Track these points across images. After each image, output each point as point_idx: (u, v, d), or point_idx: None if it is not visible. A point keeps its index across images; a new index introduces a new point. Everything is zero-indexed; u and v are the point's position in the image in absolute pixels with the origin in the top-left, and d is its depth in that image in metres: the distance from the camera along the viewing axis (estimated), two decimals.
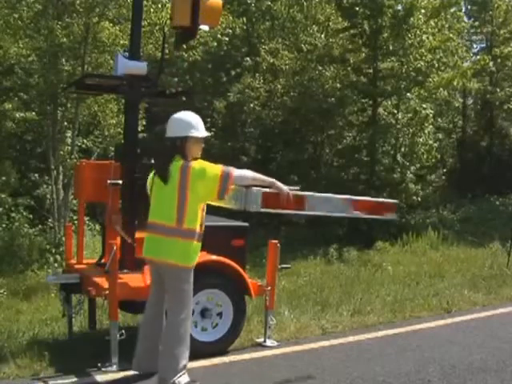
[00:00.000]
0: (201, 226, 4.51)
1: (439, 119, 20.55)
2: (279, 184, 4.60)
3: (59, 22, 12.18)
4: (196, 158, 4.49)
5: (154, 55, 13.13)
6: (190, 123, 4.48)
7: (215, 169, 4.39)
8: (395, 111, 16.82)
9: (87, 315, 5.81)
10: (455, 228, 16.86)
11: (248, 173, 4.54)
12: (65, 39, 12.12)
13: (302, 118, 18.63)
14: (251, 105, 18.77)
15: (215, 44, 16.89)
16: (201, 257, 5.33)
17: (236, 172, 4.41)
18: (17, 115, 13.03)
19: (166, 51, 12.61)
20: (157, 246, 4.47)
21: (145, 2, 12.14)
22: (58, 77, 12.33)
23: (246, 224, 5.99)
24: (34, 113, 13.24)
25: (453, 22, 19.64)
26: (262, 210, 4.88)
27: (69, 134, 13.43)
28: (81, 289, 5.58)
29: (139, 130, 7.21)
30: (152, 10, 12.77)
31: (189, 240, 4.42)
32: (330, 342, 6.02)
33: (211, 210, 5.06)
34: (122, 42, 12.50)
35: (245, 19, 18.13)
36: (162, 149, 4.55)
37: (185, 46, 15.26)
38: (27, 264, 11.81)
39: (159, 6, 12.81)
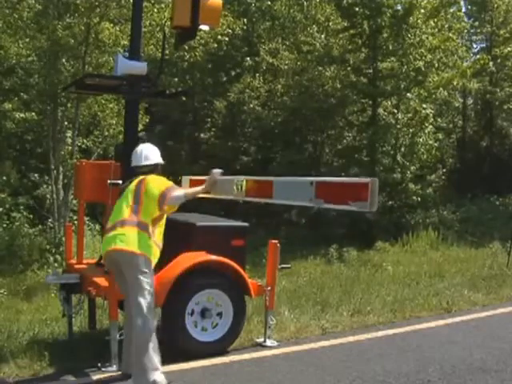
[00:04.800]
0: (155, 235, 4.72)
1: (439, 119, 20.52)
2: (208, 182, 5.08)
3: (60, 22, 12.17)
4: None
5: (155, 55, 13.12)
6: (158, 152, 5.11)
7: (157, 188, 4.73)
8: (395, 111, 16.82)
9: (87, 315, 5.81)
10: (455, 228, 16.85)
11: (181, 193, 4.81)
12: (68, 38, 12.10)
13: (301, 117, 18.64)
14: (251, 105, 18.77)
15: (215, 45, 16.89)
16: (201, 257, 5.35)
17: (173, 193, 4.72)
18: (17, 115, 13.03)
19: (166, 52, 12.63)
20: (112, 240, 4.64)
21: (146, 3, 12.19)
22: (59, 77, 12.33)
23: (246, 224, 5.99)
24: (33, 113, 13.23)
25: (453, 21, 19.62)
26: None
27: (69, 133, 13.42)
28: (81, 289, 5.59)
29: (139, 129, 7.20)
30: (155, 9, 12.76)
31: (145, 232, 4.61)
32: (330, 341, 6.03)
33: (211, 210, 5.09)
34: (122, 42, 12.49)
35: (245, 20, 18.08)
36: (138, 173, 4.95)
37: (186, 47, 15.25)
38: (27, 264, 11.80)
39: (162, 6, 12.79)
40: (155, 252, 4.68)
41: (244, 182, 5.15)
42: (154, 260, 4.68)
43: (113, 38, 12.54)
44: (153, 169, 4.97)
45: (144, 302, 4.52)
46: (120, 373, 4.89)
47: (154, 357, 4.47)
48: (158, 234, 4.74)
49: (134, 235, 4.58)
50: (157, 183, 4.78)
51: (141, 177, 4.85)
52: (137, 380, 4.48)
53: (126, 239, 4.57)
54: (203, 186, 5.06)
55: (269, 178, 5.20)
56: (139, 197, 4.72)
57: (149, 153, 5.02)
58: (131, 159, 5.05)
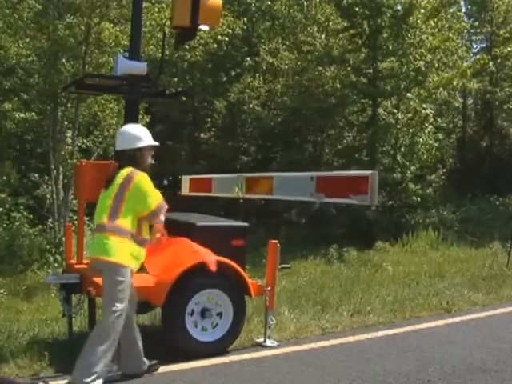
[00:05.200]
0: (140, 232, 4.54)
1: (439, 119, 20.54)
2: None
3: (60, 22, 12.17)
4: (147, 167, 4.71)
5: (155, 56, 13.13)
6: (137, 135, 4.70)
7: (152, 200, 4.55)
8: (395, 111, 16.83)
9: (87, 315, 5.81)
10: (455, 228, 16.86)
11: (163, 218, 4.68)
12: (68, 37, 12.09)
13: (301, 117, 18.65)
14: (251, 105, 18.78)
15: (215, 45, 16.91)
16: (201, 256, 5.34)
17: (162, 215, 4.62)
18: (17, 115, 13.02)
19: (166, 53, 12.63)
20: (93, 245, 4.63)
21: (147, 3, 12.19)
22: (59, 77, 12.33)
23: (246, 224, 5.99)
24: (33, 113, 13.23)
25: (453, 21, 19.63)
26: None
27: (69, 133, 13.43)
28: (81, 289, 5.58)
29: None
30: (156, 9, 12.76)
31: (122, 237, 4.46)
32: (330, 341, 6.02)
33: (211, 210, 5.08)
34: (123, 42, 12.48)
35: (245, 20, 18.09)
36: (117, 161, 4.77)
37: (187, 46, 15.26)
38: (27, 264, 11.80)
39: (163, 5, 12.78)
40: (137, 253, 4.55)
41: (244, 180, 5.16)
42: (138, 260, 4.58)
43: (113, 38, 12.54)
44: (136, 153, 4.66)
45: (112, 310, 4.45)
46: (120, 373, 4.89)
47: (101, 363, 4.35)
48: (144, 228, 4.59)
49: (110, 243, 4.45)
50: (152, 191, 4.57)
51: (127, 170, 4.58)
52: (77, 376, 4.40)
53: (102, 247, 4.48)
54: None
55: (269, 173, 5.21)
56: (123, 195, 4.52)
57: (142, 133, 4.73)
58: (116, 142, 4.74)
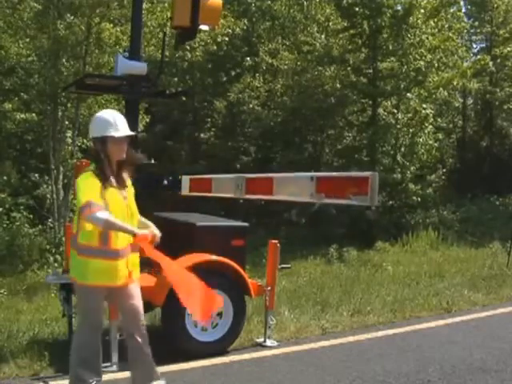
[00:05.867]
0: (102, 240, 3.99)
1: (439, 119, 20.53)
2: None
3: (61, 22, 12.17)
4: (127, 164, 4.20)
5: (155, 56, 13.13)
6: (107, 121, 4.10)
7: (81, 197, 3.96)
8: (395, 111, 16.82)
9: None
10: (455, 228, 16.85)
11: (106, 223, 3.88)
12: (69, 35, 12.07)
13: (301, 117, 18.64)
14: (251, 105, 18.77)
15: (215, 47, 16.92)
16: (201, 257, 5.34)
17: (96, 214, 3.86)
18: (17, 116, 13.02)
19: (167, 53, 12.62)
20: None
21: (149, 3, 12.18)
22: (59, 76, 12.32)
23: (246, 224, 5.99)
24: (34, 113, 13.23)
25: (452, 21, 19.63)
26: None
27: (69, 133, 13.43)
28: None
29: (140, 130, 7.20)
30: (158, 8, 12.74)
31: (79, 255, 4.06)
32: (330, 341, 6.03)
33: (211, 210, 5.06)
34: (124, 43, 12.48)
35: (245, 21, 18.08)
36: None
37: (187, 46, 15.26)
38: (27, 264, 11.79)
39: (165, 5, 12.76)
40: (90, 266, 4.02)
41: (244, 180, 5.16)
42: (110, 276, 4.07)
43: (113, 38, 12.54)
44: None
45: (78, 323, 4.34)
46: (120, 373, 4.89)
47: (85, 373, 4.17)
48: (112, 238, 4.04)
49: (74, 259, 4.16)
50: (83, 188, 4.03)
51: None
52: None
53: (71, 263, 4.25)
54: (136, 231, 4.05)
55: (269, 174, 5.20)
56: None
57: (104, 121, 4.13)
58: (98, 129, 4.09)
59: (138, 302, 4.20)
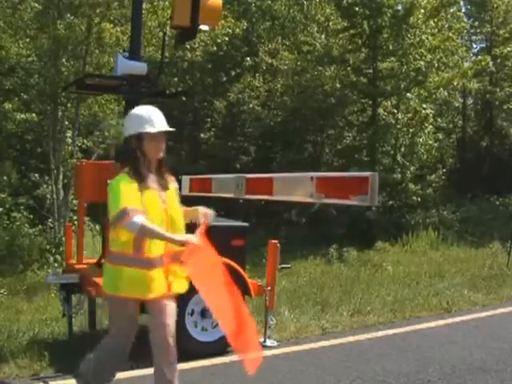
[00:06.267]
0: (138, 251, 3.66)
1: (439, 119, 20.54)
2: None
3: (61, 22, 12.17)
4: (160, 163, 3.82)
5: (156, 56, 13.14)
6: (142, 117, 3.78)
7: (115, 204, 3.63)
8: (395, 111, 16.82)
9: (87, 315, 5.81)
10: (455, 228, 16.86)
11: (142, 229, 3.54)
12: (70, 34, 12.07)
13: (301, 117, 18.64)
14: (251, 105, 18.77)
15: (215, 48, 16.93)
16: None
17: (135, 219, 3.51)
18: (17, 116, 13.03)
19: (167, 54, 12.62)
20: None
21: (149, 5, 12.17)
22: (59, 76, 12.32)
23: (246, 224, 5.99)
24: (34, 114, 13.23)
25: (452, 21, 19.63)
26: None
27: (69, 134, 13.43)
28: (81, 289, 5.59)
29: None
30: (160, 6, 12.72)
31: (111, 264, 3.78)
32: (330, 341, 6.03)
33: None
34: (124, 43, 12.47)
35: (245, 22, 18.08)
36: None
37: (188, 46, 15.26)
38: (27, 264, 11.80)
39: (167, 3, 12.75)
40: (123, 275, 3.71)
41: (244, 180, 5.16)
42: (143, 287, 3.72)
43: (113, 38, 12.54)
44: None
45: (108, 329, 4.15)
46: (119, 373, 4.89)
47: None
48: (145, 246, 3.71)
49: (106, 270, 3.94)
50: (114, 196, 3.75)
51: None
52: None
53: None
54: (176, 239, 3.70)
55: (269, 174, 5.21)
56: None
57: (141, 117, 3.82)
58: (139, 124, 3.75)
59: (171, 320, 3.73)
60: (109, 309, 3.99)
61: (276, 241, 5.92)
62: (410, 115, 16.89)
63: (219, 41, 15.93)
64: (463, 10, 22.98)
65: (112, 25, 12.72)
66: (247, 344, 3.76)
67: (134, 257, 3.66)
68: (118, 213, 3.56)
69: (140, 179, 3.69)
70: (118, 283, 3.69)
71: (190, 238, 3.72)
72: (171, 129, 3.84)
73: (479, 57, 20.21)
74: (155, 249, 3.67)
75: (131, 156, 3.73)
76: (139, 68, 5.86)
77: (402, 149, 16.78)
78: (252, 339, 3.80)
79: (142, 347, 5.34)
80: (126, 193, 3.62)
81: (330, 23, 19.43)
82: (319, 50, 18.39)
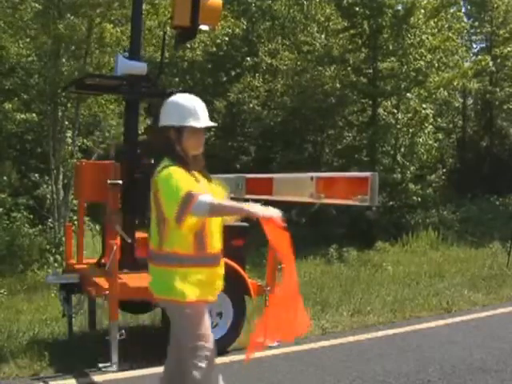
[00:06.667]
0: (197, 246, 3.31)
1: (439, 119, 20.54)
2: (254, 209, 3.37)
3: (61, 22, 12.17)
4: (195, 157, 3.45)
5: (156, 57, 13.13)
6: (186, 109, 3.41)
7: (176, 191, 3.22)
8: (395, 111, 16.82)
9: (87, 315, 5.81)
10: (455, 228, 16.85)
11: (212, 207, 3.19)
12: (71, 33, 12.06)
13: (301, 117, 18.63)
14: (251, 104, 18.78)
15: (214, 49, 16.93)
16: None
17: (202, 198, 3.17)
18: (18, 117, 13.03)
19: (167, 55, 12.60)
20: (151, 278, 3.48)
21: (148, 6, 12.16)
22: (59, 76, 12.32)
23: (246, 224, 5.98)
24: (34, 114, 13.23)
25: (452, 22, 19.63)
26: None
27: (69, 134, 13.43)
28: (81, 289, 5.59)
29: (141, 131, 7.17)
30: (162, 4, 12.70)
31: (168, 266, 3.30)
32: (330, 342, 6.03)
33: None
34: (124, 44, 12.46)
35: (245, 22, 18.09)
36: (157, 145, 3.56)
37: (189, 45, 15.26)
38: (27, 264, 11.79)
39: (167, 1, 12.72)
40: (188, 276, 3.33)
41: (244, 180, 5.17)
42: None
43: (113, 39, 12.53)
44: None
45: (188, 360, 3.38)
46: (119, 373, 4.89)
47: None
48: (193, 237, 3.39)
49: (163, 274, 3.42)
50: (175, 178, 3.34)
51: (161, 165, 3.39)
52: None
53: (155, 281, 3.48)
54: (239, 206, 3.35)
55: (269, 174, 5.22)
56: (159, 204, 3.39)
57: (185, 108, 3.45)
58: (193, 118, 3.37)
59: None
60: (179, 331, 3.36)
61: None
62: (410, 115, 16.89)
63: (219, 41, 15.92)
64: (463, 10, 23.00)
65: (112, 25, 12.71)
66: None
67: (198, 255, 3.31)
68: (181, 200, 3.14)
69: (187, 169, 3.33)
70: (183, 287, 3.25)
71: (269, 208, 3.41)
72: (214, 124, 3.57)
73: (479, 57, 20.20)
74: (216, 243, 3.41)
75: (168, 149, 3.37)
76: (139, 68, 5.87)
77: (402, 149, 16.78)
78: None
79: (142, 347, 5.38)
80: (183, 179, 3.24)
81: (330, 23, 19.42)
82: (319, 50, 18.40)
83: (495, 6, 23.04)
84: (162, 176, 3.28)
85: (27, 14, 12.40)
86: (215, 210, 3.22)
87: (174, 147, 3.35)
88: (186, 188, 3.17)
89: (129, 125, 6.13)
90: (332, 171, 17.34)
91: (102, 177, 5.66)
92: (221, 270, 3.49)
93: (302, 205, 16.07)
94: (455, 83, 17.66)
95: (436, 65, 16.98)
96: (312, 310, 7.11)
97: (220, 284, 3.48)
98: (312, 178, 4.39)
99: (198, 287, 3.28)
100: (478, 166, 23.06)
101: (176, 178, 3.23)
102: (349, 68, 17.48)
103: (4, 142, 14.62)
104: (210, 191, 3.35)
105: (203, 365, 3.25)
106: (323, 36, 19.10)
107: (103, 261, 5.61)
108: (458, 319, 7.10)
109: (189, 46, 15.24)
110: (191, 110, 3.39)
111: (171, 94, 7.69)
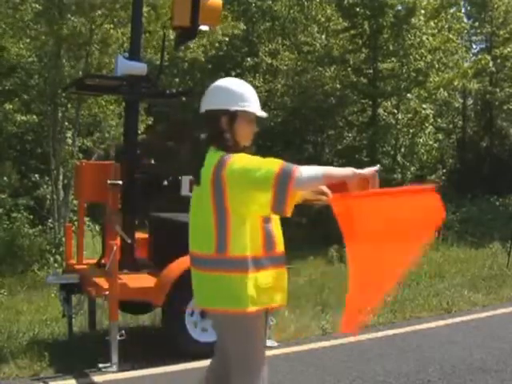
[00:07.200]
0: (264, 246, 2.93)
1: (439, 119, 20.54)
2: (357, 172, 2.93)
3: (63, 22, 12.16)
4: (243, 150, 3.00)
5: (156, 58, 13.14)
6: (237, 94, 2.94)
7: (267, 166, 2.79)
8: (395, 111, 16.83)
9: (87, 315, 5.81)
10: (455, 228, 16.84)
11: (325, 172, 2.94)
12: (73, 31, 12.05)
13: (302, 118, 18.65)
14: None
15: (213, 52, 16.96)
16: None
17: (301, 170, 2.83)
18: (18, 118, 13.03)
19: (167, 56, 12.59)
20: (199, 288, 3.03)
21: (148, 8, 12.16)
22: (59, 77, 12.32)
23: None
24: (34, 115, 13.23)
25: (453, 22, 19.64)
26: None
27: (69, 134, 13.43)
28: (81, 289, 5.59)
29: (141, 131, 7.18)
30: (165, 5, 12.68)
31: (238, 272, 2.84)
32: (330, 342, 6.02)
33: None
34: (125, 45, 12.46)
35: (244, 23, 18.09)
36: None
37: (190, 45, 15.27)
38: (27, 264, 11.79)
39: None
40: (256, 283, 2.92)
41: None
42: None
43: (113, 39, 12.53)
44: None
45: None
46: (119, 373, 4.89)
47: None
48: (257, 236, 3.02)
49: (223, 282, 2.96)
50: (256, 160, 2.98)
51: (217, 154, 2.92)
52: None
53: (209, 291, 3.04)
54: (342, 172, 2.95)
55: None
56: (223, 198, 2.90)
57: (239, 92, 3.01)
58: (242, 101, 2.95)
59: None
60: (242, 345, 3.04)
61: None
62: (410, 115, 16.91)
63: (219, 41, 15.93)
64: (463, 11, 23.00)
65: (112, 25, 12.71)
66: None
67: (267, 255, 2.92)
68: (277, 177, 2.72)
69: None
70: (253, 295, 2.84)
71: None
72: (266, 114, 3.15)
73: (479, 56, 20.21)
74: (281, 240, 3.06)
75: (219, 137, 2.90)
76: (139, 68, 5.87)
77: (402, 149, 16.79)
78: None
79: (142, 347, 5.38)
80: (260, 159, 2.85)
81: (331, 23, 19.44)
82: (319, 51, 18.42)
83: (495, 6, 23.05)
84: (233, 166, 2.78)
85: (27, 15, 12.40)
86: (328, 174, 2.87)
87: (225, 135, 2.90)
88: (273, 167, 2.74)
89: (129, 125, 6.13)
90: None
91: (102, 177, 5.66)
92: (286, 271, 3.07)
93: (302, 205, 16.09)
94: (455, 83, 17.67)
95: (436, 65, 16.99)
96: (312, 311, 7.12)
97: (286, 286, 3.06)
98: None
99: (266, 293, 2.89)
100: (478, 166, 23.06)
101: (254, 159, 2.83)
102: (349, 68, 17.50)
103: (4, 142, 14.62)
104: None
105: None
106: (323, 36, 19.13)
107: (103, 261, 5.61)
108: (458, 319, 7.09)
109: (190, 45, 15.24)
110: (245, 94, 2.96)
111: (171, 94, 7.72)
